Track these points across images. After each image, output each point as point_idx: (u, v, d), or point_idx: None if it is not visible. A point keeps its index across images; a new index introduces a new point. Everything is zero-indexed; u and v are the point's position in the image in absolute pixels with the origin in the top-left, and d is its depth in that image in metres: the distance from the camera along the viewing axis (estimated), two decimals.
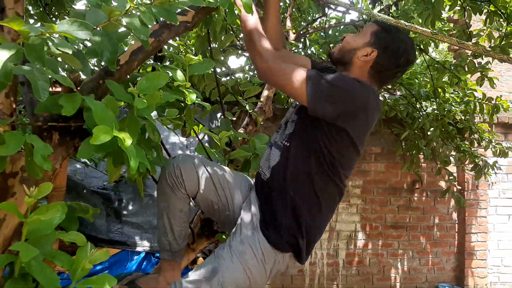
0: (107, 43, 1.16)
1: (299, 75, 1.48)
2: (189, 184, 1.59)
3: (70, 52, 1.00)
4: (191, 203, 1.69)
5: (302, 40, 4.11)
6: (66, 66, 1.91)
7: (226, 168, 1.72)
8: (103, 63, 1.24)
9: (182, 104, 1.57)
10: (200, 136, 3.05)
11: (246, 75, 4.65)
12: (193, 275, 1.53)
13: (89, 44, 1.19)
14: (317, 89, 1.45)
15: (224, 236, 1.98)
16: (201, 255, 3.53)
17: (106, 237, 3.43)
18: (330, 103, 1.44)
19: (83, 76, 1.30)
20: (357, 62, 1.61)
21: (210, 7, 1.44)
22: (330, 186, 1.57)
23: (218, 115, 4.29)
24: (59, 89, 1.50)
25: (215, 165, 1.68)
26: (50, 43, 0.93)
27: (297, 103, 1.66)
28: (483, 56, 3.47)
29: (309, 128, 1.55)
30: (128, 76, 1.57)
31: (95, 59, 1.81)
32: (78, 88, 1.24)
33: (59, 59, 1.10)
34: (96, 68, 1.98)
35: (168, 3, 1.25)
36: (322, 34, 4.31)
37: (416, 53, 1.78)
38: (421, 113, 4.17)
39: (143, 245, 3.56)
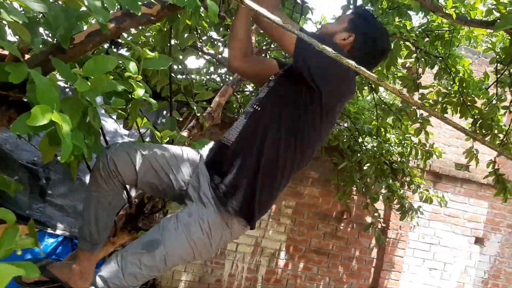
0: (63, 19, 1.14)
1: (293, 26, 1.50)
2: (126, 175, 1.56)
3: (21, 22, 0.97)
4: (132, 191, 1.66)
5: (263, 55, 4.16)
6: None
7: (168, 146, 1.68)
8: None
9: (130, 95, 1.54)
10: (143, 130, 3.00)
11: (202, 78, 4.65)
12: (135, 247, 1.49)
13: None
14: (307, 46, 1.46)
15: None
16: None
17: (25, 214, 3.27)
18: (318, 60, 1.48)
19: None
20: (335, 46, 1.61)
21: (177, 5, 1.44)
22: (293, 153, 1.58)
23: (164, 113, 4.25)
24: (6, 52, 1.43)
25: (154, 147, 1.64)
26: (2, 10, 0.90)
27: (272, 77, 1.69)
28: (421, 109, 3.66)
29: (287, 91, 1.56)
30: (81, 57, 1.53)
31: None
32: (26, 57, 1.20)
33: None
34: (50, 39, 1.91)
35: None
36: (283, 53, 4.39)
37: (391, 44, 1.83)
38: (361, 147, 4.33)
39: (63, 229, 3.42)
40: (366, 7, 3.22)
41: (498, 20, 2.03)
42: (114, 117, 1.65)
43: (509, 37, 2.55)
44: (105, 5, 1.13)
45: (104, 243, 1.69)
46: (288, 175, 1.64)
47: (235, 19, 1.80)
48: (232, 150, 1.58)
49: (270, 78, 1.71)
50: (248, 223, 1.58)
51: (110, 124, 3.87)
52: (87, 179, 2.99)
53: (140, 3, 1.39)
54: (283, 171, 1.59)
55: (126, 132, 3.96)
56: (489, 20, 2.29)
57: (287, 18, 1.62)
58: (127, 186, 1.98)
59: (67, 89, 3.56)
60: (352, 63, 0.91)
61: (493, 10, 2.30)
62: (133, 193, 2.23)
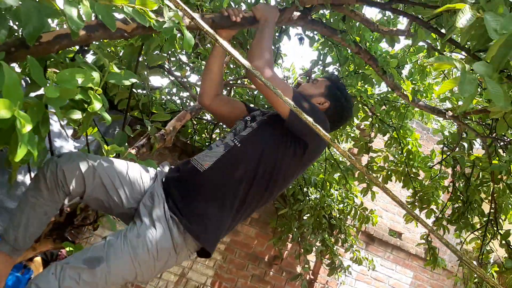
0: (35, 16, 1.11)
1: (287, 88, 1.65)
2: (74, 188, 1.51)
3: None
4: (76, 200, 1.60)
5: (228, 89, 4.21)
6: None
7: (121, 162, 1.65)
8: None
9: (85, 105, 1.51)
10: (90, 138, 2.91)
11: (163, 97, 4.61)
12: (76, 261, 1.41)
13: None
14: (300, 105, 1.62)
15: (70, 248, 1.86)
16: (40, 255, 3.27)
17: None
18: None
19: None
20: None
21: (153, 28, 1.44)
22: (263, 192, 1.67)
23: (116, 127, 4.15)
24: None
25: (107, 161, 1.61)
26: None
27: (255, 114, 1.84)
28: (365, 174, 3.80)
29: (272, 136, 1.67)
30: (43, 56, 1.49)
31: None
32: None
33: None
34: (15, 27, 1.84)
35: (112, 8, 1.24)
36: (248, 91, 4.45)
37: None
38: (305, 197, 4.40)
39: None
40: (334, 68, 3.37)
41: (449, 111, 2.18)
42: (62, 121, 1.61)
43: (457, 125, 2.72)
44: (82, 14, 1.12)
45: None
46: (250, 212, 1.73)
47: (211, 57, 1.87)
48: (204, 177, 1.61)
49: (247, 119, 1.82)
50: (199, 252, 1.61)
51: (55, 126, 3.73)
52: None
53: (116, 17, 1.39)
54: (247, 208, 1.67)
55: (72, 140, 3.83)
56: (441, 108, 2.45)
57: (279, 79, 1.72)
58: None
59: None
60: (312, 122, 0.95)
61: (447, 100, 2.47)
62: (66, 200, 2.14)
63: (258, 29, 1.76)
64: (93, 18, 1.43)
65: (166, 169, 1.75)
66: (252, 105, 1.99)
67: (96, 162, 1.57)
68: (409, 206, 3.98)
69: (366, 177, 3.91)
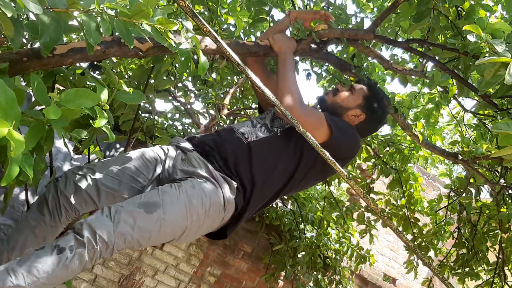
0: (52, 28, 1.08)
1: (320, 119, 1.69)
2: (84, 206, 1.49)
3: (9, 15, 0.91)
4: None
5: (231, 118, 4.19)
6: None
7: (118, 157, 1.62)
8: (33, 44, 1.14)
9: (90, 120, 1.47)
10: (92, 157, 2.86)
11: (165, 122, 4.58)
12: (130, 205, 1.33)
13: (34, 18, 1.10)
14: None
15: None
16: None
17: None
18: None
19: None
20: (346, 117, 1.83)
21: (169, 49, 1.41)
22: (281, 186, 1.70)
23: (118, 146, 4.09)
24: None
25: (104, 164, 1.57)
26: None
27: None
28: (374, 214, 3.74)
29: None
30: (54, 69, 1.46)
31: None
32: None
33: None
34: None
35: (131, 25, 1.21)
36: None
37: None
38: (301, 234, 4.31)
39: None
40: None
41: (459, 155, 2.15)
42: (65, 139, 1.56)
43: (466, 170, 2.69)
44: (100, 28, 1.09)
45: None
46: (268, 200, 1.73)
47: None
48: (250, 148, 1.64)
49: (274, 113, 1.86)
50: (237, 217, 1.61)
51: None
52: None
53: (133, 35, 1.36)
54: (271, 192, 1.70)
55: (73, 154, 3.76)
56: (451, 151, 2.42)
57: (310, 110, 1.76)
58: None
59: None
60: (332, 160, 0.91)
61: (457, 144, 2.44)
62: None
63: (279, 62, 1.75)
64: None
65: (183, 141, 1.74)
66: None
67: (92, 170, 1.52)
68: (407, 251, 3.90)
69: (381, 219, 3.85)
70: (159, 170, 1.62)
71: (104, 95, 1.35)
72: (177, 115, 4.78)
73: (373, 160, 3.62)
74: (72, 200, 1.45)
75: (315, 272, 4.38)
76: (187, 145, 1.69)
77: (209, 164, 1.56)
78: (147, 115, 3.74)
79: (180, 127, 4.78)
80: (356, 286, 5.16)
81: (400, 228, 3.60)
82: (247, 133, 1.70)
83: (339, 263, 4.46)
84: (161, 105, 8.89)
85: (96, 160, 1.65)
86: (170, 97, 3.70)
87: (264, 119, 1.80)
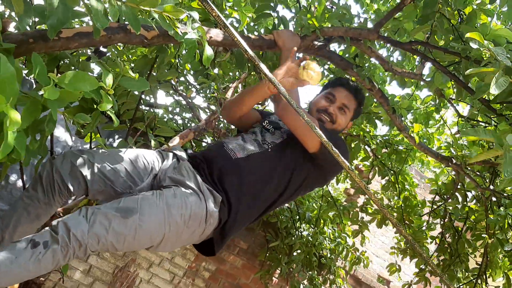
0: (60, 10, 1.09)
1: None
2: (76, 187, 1.48)
3: None
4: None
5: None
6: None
7: (120, 150, 1.64)
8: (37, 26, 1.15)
9: (94, 105, 1.48)
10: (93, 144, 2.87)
11: (165, 115, 4.59)
12: (107, 208, 1.34)
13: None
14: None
15: None
16: None
17: None
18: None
19: None
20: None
21: (174, 38, 1.43)
22: (279, 195, 1.75)
23: (116, 137, 4.11)
24: None
25: (103, 152, 1.58)
26: None
27: (273, 118, 1.95)
28: (368, 211, 3.76)
29: (298, 150, 1.75)
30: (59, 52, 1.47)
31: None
32: (3, 32, 1.13)
33: None
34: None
35: (139, 11, 1.22)
36: None
37: None
38: (297, 232, 4.32)
39: None
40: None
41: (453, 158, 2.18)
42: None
43: (453, 175, 2.71)
44: (107, 12, 1.10)
45: None
46: (261, 213, 1.77)
47: (251, 96, 1.81)
48: (237, 165, 1.66)
49: (265, 124, 1.90)
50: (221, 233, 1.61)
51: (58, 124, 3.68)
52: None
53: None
54: (263, 207, 1.74)
55: (72, 139, 3.78)
56: (444, 154, 2.44)
57: (309, 115, 1.81)
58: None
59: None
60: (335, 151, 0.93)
61: (451, 148, 2.46)
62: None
63: (283, 58, 1.76)
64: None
65: (180, 151, 1.78)
66: (266, 111, 2.10)
67: (91, 155, 1.53)
68: (400, 253, 3.92)
69: (362, 214, 3.87)
70: (154, 174, 1.65)
71: (109, 79, 1.36)
72: (177, 109, 4.79)
73: (370, 160, 3.64)
74: (66, 178, 1.46)
75: (310, 271, 4.39)
76: (183, 154, 1.74)
77: (198, 175, 1.58)
78: (148, 108, 3.76)
79: (180, 121, 4.80)
80: (350, 286, 5.18)
81: (394, 229, 3.62)
82: (236, 149, 1.72)
83: (334, 262, 4.47)
84: (162, 99, 8.87)
85: (98, 149, 1.66)
86: (171, 91, 3.72)
87: (254, 134, 1.83)
